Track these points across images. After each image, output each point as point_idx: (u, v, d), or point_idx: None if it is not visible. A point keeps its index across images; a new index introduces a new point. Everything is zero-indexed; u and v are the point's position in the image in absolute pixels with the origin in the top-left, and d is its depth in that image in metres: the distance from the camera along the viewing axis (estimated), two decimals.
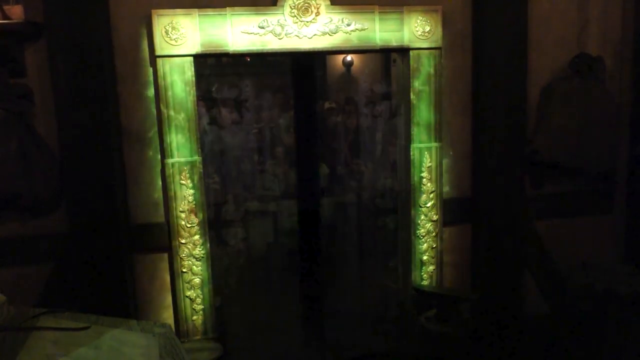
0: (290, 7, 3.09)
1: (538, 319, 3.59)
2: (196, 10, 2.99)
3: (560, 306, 3.58)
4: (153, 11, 2.94)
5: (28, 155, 2.84)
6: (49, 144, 2.95)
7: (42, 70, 2.93)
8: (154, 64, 3.02)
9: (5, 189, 2.80)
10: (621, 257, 3.78)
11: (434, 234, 3.49)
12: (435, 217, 3.47)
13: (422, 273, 3.51)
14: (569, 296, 3.53)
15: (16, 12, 2.76)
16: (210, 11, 3.01)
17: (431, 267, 3.52)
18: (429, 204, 3.44)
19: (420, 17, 3.24)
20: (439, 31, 3.28)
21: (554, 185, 3.62)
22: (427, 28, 3.26)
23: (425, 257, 3.49)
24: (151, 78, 3.07)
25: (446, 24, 3.31)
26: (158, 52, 2.98)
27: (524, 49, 3.37)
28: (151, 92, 3.08)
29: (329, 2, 3.13)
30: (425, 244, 3.48)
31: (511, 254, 3.51)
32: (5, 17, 2.75)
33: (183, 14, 2.98)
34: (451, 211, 3.53)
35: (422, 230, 3.47)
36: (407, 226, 3.51)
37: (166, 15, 2.96)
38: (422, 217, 3.46)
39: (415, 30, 3.25)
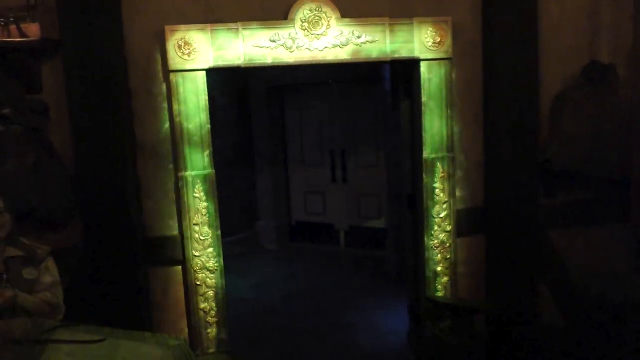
0: (302, 20, 3.12)
1: (553, 329, 3.55)
2: (208, 25, 3.03)
3: (575, 317, 3.53)
4: (166, 27, 2.99)
5: (44, 169, 2.88)
6: (64, 158, 2.99)
7: (58, 86, 2.98)
8: (167, 78, 3.06)
9: (21, 202, 2.83)
10: (638, 266, 3.73)
11: (447, 244, 3.47)
12: (448, 228, 3.45)
13: (437, 284, 3.49)
14: (584, 306, 3.48)
15: (33, 30, 2.82)
16: (222, 26, 3.05)
17: (445, 279, 3.50)
18: (442, 215, 3.43)
19: (430, 29, 3.25)
20: (449, 42, 3.29)
21: (569, 193, 3.59)
22: (438, 39, 3.27)
23: (439, 268, 3.47)
24: (165, 92, 3.11)
25: (456, 34, 3.33)
26: (171, 67, 3.02)
27: (535, 58, 3.37)
28: (165, 106, 3.12)
29: (339, 15, 3.16)
30: (439, 255, 3.46)
31: (525, 264, 3.47)
32: (23, 35, 2.80)
33: (196, 30, 3.02)
34: (465, 222, 3.52)
35: (436, 241, 3.45)
36: (422, 237, 3.49)
37: (179, 31, 3.00)
38: (436, 227, 3.44)
39: (426, 41, 3.26)
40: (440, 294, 3.48)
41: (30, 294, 2.38)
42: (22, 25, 2.81)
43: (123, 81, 3.02)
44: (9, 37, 2.80)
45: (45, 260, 2.51)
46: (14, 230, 2.47)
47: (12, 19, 2.80)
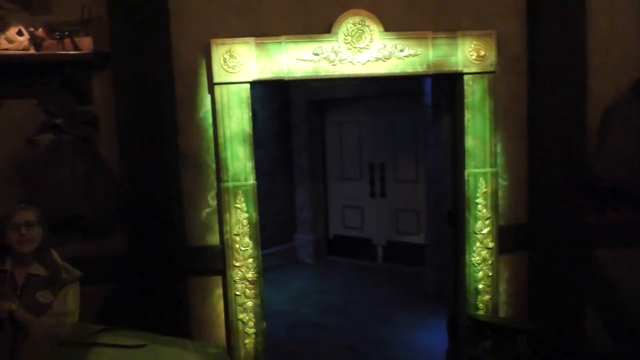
0: (344, 34, 3.14)
1: (602, 353, 3.42)
2: (252, 38, 3.08)
3: (625, 340, 3.40)
4: (212, 40, 3.05)
5: (91, 178, 2.96)
6: (111, 167, 3.08)
7: (107, 98, 3.07)
8: (212, 90, 3.12)
9: (69, 210, 2.92)
10: None
11: (489, 261, 3.39)
12: (490, 245, 3.38)
13: (477, 302, 3.41)
14: (634, 330, 3.35)
15: (86, 44, 2.93)
16: (266, 39, 3.09)
17: (487, 296, 3.41)
18: (484, 231, 3.36)
19: (474, 42, 3.22)
20: (493, 55, 3.25)
21: (618, 212, 3.46)
22: (481, 52, 3.23)
23: (480, 286, 3.39)
24: (209, 104, 3.17)
25: (501, 47, 3.28)
26: (216, 79, 3.07)
27: (582, 71, 3.29)
28: (208, 117, 3.18)
29: (382, 29, 3.16)
30: (480, 272, 3.39)
31: (571, 284, 3.36)
32: (77, 48, 2.91)
33: (240, 43, 3.06)
34: (507, 238, 3.43)
35: (478, 258, 3.38)
36: (462, 254, 3.43)
37: (224, 44, 3.05)
38: (478, 244, 3.37)
39: (469, 55, 3.23)
40: (481, 312, 3.40)
41: (39, 316, 2.29)
42: (76, 39, 2.92)
43: (169, 92, 3.09)
44: (64, 50, 2.91)
45: (67, 286, 2.42)
46: (47, 244, 2.44)
47: (66, 33, 2.91)
